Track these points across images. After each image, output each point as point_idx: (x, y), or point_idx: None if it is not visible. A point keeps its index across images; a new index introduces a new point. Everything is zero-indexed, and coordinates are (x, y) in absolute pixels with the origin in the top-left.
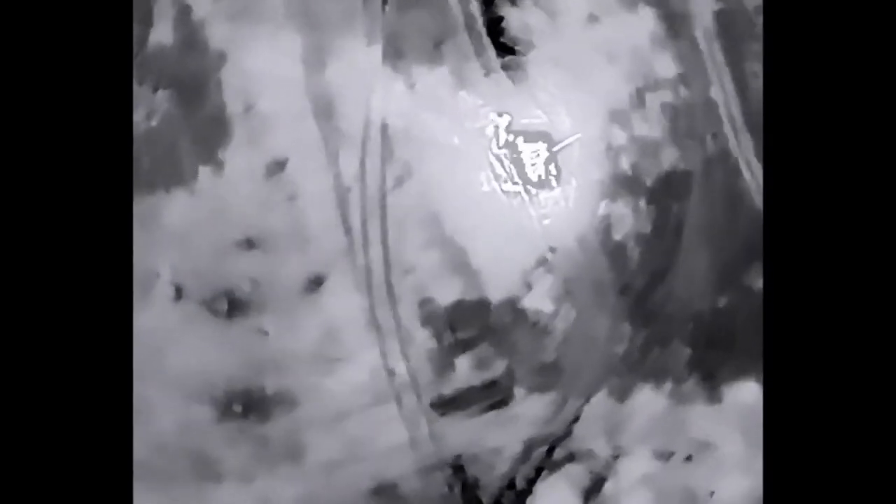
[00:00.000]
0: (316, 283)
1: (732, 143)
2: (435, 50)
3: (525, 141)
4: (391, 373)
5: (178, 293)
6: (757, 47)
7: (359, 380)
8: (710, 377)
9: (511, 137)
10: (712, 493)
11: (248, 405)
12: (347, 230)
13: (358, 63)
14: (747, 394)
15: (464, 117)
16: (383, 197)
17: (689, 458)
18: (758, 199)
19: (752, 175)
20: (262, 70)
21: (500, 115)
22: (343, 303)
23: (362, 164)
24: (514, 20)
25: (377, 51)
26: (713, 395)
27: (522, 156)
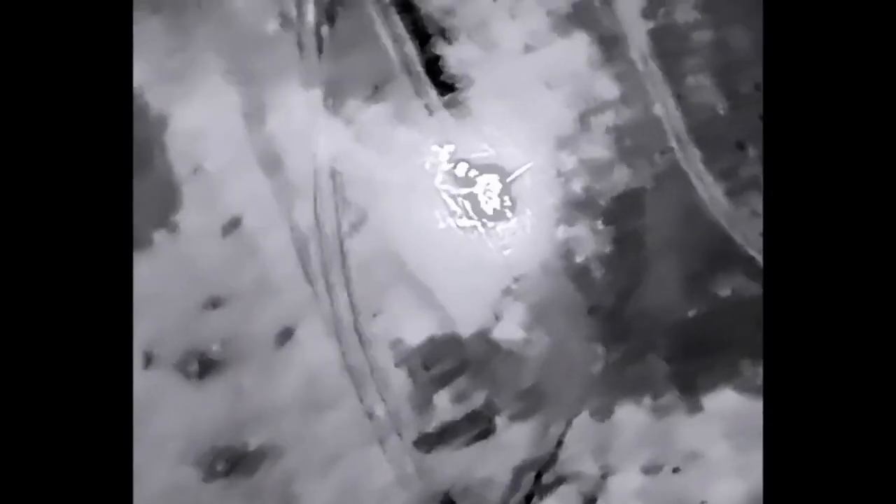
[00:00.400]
0: (286, 334)
1: (681, 156)
2: (376, 93)
3: (476, 175)
4: (371, 415)
5: (148, 359)
6: (693, 61)
7: (341, 425)
8: (689, 388)
9: (462, 173)
10: (704, 503)
11: (232, 462)
12: (310, 280)
13: (299, 114)
14: (727, 401)
15: (411, 158)
16: (341, 243)
17: (676, 470)
18: (713, 209)
19: (704, 186)
20: (205, 129)
21: (448, 152)
22: (315, 351)
23: (316, 213)
24: (451, 58)
25: (317, 99)
26: (694, 406)
27: (475, 190)
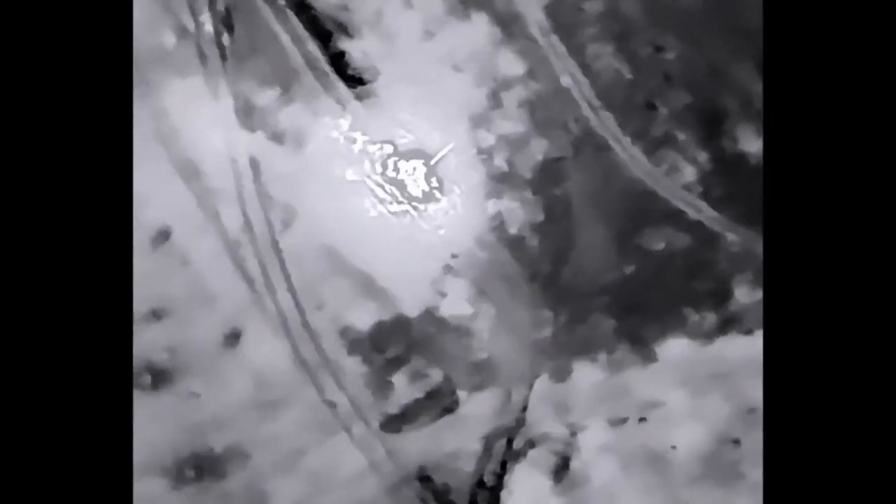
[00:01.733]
0: (233, 337)
1: (595, 122)
2: (285, 94)
3: (399, 161)
4: (332, 405)
5: None
6: (591, 31)
7: (302, 419)
8: (639, 341)
9: (385, 161)
10: (673, 447)
11: (199, 468)
12: (249, 281)
13: (211, 122)
14: (678, 348)
15: (331, 152)
16: (275, 242)
17: (643, 420)
18: (634, 168)
19: (622, 148)
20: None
21: (366, 142)
22: (265, 350)
23: (245, 215)
24: (355, 51)
25: (228, 105)
26: (647, 356)
27: (401, 175)
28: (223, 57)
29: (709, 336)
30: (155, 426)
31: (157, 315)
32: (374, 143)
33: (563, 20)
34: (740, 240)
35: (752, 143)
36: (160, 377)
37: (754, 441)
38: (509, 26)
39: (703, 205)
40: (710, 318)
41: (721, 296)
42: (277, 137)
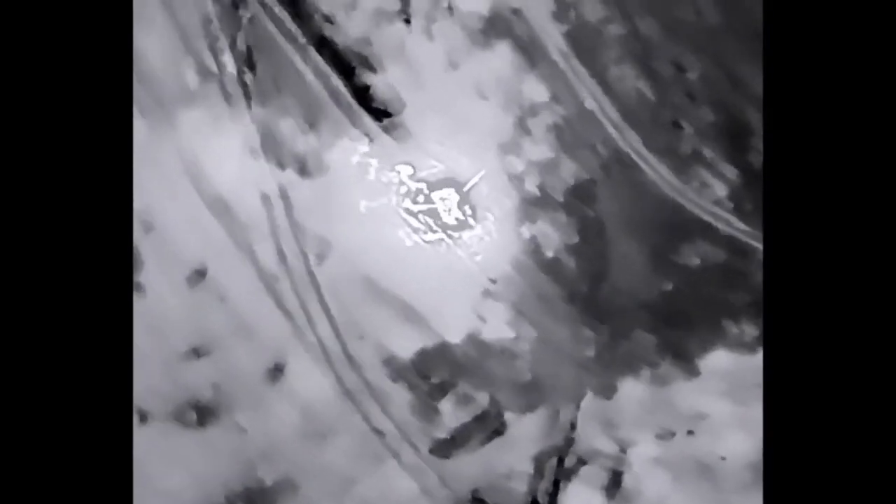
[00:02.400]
0: (277, 370)
1: (621, 143)
2: (312, 129)
3: (431, 191)
4: (379, 433)
5: (143, 416)
6: (612, 54)
7: (351, 448)
8: (682, 355)
9: (417, 191)
10: (723, 458)
11: (251, 501)
12: (288, 315)
13: (240, 159)
14: (720, 361)
15: (362, 184)
16: (311, 274)
17: (690, 433)
18: (664, 186)
19: (648, 166)
20: (149, 187)
21: (397, 173)
22: (309, 382)
23: (279, 250)
24: (380, 84)
25: (256, 143)
26: (690, 370)
27: (433, 205)
28: (247, 95)
29: (750, 347)
30: (204, 463)
31: (197, 352)
32: (404, 173)
33: (584, 44)
34: None
35: None
36: (206, 414)
37: None
38: (531, 53)
39: (735, 219)
40: (750, 330)
41: (759, 307)
42: (306, 171)
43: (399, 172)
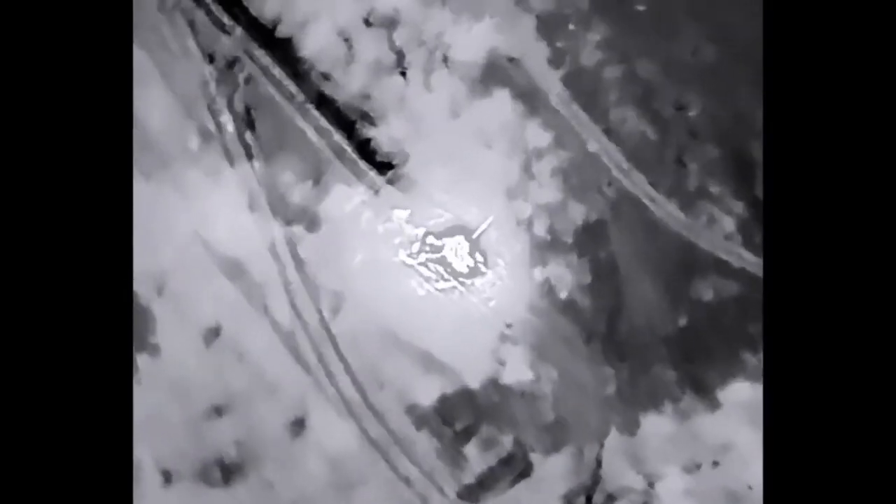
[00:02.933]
0: (298, 425)
1: (627, 183)
2: (317, 185)
3: (440, 240)
4: (407, 482)
5: (167, 477)
6: (612, 97)
7: (380, 497)
8: (702, 388)
9: (425, 240)
10: (751, 487)
11: None
12: (307, 369)
13: (247, 217)
14: (741, 392)
15: (371, 236)
16: (327, 329)
17: (716, 464)
18: (672, 224)
19: (656, 204)
20: (159, 248)
21: (405, 224)
22: (333, 434)
23: (293, 305)
24: (382, 137)
25: (261, 200)
26: (712, 403)
27: (444, 253)
28: (249, 155)
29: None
30: None
31: (218, 411)
32: (413, 223)
33: (583, 88)
34: None
35: None
36: (231, 471)
37: None
38: (531, 99)
39: (745, 252)
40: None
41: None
42: (314, 226)
43: (406, 223)
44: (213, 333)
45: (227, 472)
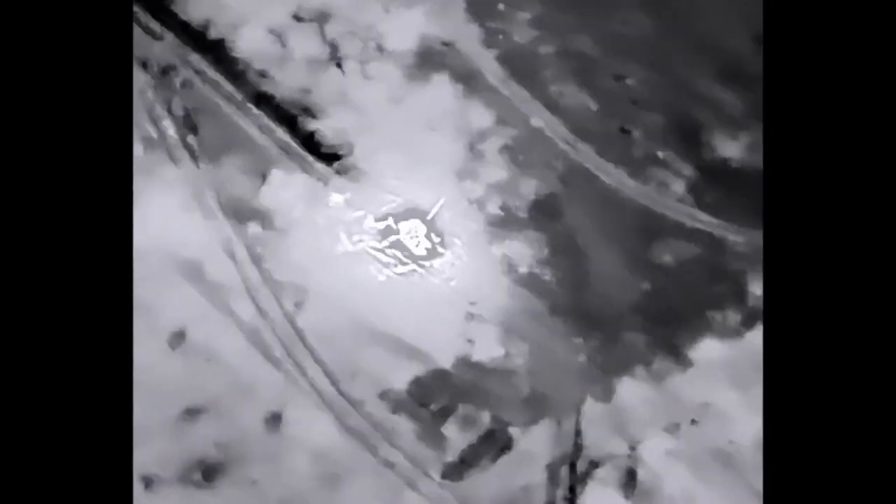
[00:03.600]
0: (276, 420)
1: (575, 155)
2: (265, 182)
3: (394, 224)
4: (392, 467)
5: (148, 483)
6: (550, 72)
7: (366, 484)
8: (672, 349)
9: (379, 227)
10: (731, 442)
11: None
12: (277, 365)
13: (200, 220)
14: (711, 350)
15: (324, 228)
16: (293, 323)
17: (694, 422)
18: (623, 190)
19: (606, 174)
20: None
21: (357, 212)
22: (312, 427)
23: (255, 303)
24: (326, 130)
25: (212, 202)
26: (683, 362)
27: (400, 238)
28: (194, 158)
29: (737, 332)
30: None
31: (191, 413)
32: (366, 211)
33: (519, 66)
34: (743, 239)
35: (729, 148)
36: (213, 472)
37: None
38: (469, 81)
39: (699, 213)
40: (734, 316)
41: (739, 294)
42: (268, 224)
43: (359, 211)
44: (179, 337)
45: (209, 472)
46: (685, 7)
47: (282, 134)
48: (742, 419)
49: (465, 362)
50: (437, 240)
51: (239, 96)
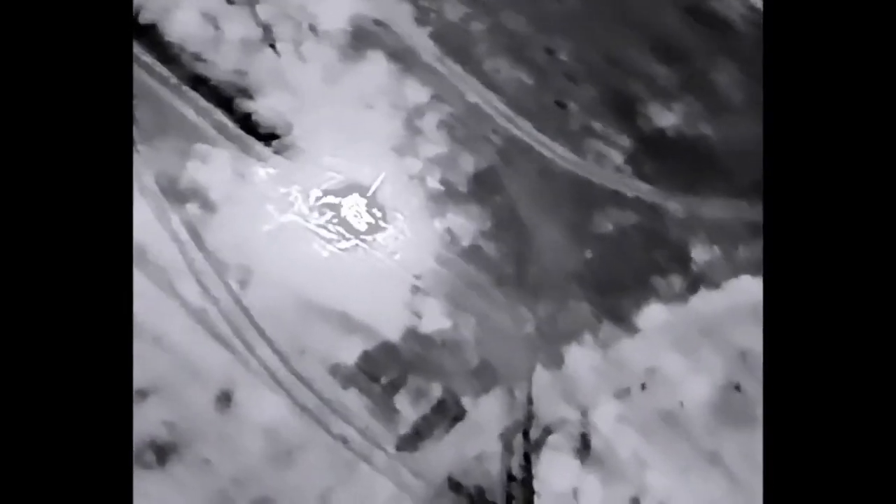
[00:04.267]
0: (225, 398)
1: (513, 129)
2: (205, 164)
3: (335, 200)
4: (344, 440)
5: None
6: (483, 47)
7: (320, 460)
8: (618, 316)
9: (320, 204)
10: (682, 404)
11: None
12: (225, 344)
13: (141, 203)
14: (656, 316)
15: (266, 207)
16: (238, 302)
17: (643, 387)
18: (562, 163)
19: (543, 146)
20: None
21: (298, 191)
22: (262, 405)
23: (201, 284)
24: (262, 110)
25: (152, 186)
26: (629, 328)
27: (341, 214)
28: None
29: (681, 297)
30: (176, 500)
31: (143, 394)
32: (306, 188)
33: (452, 43)
34: (682, 206)
35: (665, 118)
36: (165, 452)
37: (754, 383)
38: (404, 58)
39: (638, 182)
40: (678, 282)
41: (681, 260)
42: (208, 205)
43: (300, 189)
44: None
45: (161, 453)
46: None
47: (219, 115)
48: (689, 382)
49: (412, 335)
50: (378, 215)
51: (174, 79)
